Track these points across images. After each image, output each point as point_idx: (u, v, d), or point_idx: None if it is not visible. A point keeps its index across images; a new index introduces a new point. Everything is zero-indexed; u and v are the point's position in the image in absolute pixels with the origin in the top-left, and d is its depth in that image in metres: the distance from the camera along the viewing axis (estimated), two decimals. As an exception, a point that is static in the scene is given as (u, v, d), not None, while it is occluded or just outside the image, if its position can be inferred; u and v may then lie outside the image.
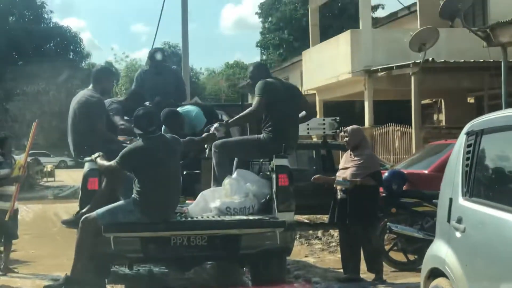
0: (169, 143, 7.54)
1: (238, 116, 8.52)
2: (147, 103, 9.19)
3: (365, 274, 9.16)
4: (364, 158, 9.02)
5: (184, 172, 8.52)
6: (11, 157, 10.46)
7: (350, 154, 9.18)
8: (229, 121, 8.45)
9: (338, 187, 9.09)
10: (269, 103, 8.22)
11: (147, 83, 10.21)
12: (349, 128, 9.36)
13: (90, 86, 8.59)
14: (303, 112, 8.79)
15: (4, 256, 10.44)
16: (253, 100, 8.53)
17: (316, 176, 9.79)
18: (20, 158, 10.75)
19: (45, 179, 36.16)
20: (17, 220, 10.71)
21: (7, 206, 10.09)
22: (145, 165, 7.27)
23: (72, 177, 35.53)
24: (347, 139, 9.22)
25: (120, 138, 8.68)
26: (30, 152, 10.20)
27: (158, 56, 10.41)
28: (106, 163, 7.44)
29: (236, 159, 8.66)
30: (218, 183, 8.15)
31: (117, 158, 7.30)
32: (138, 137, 7.55)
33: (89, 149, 7.94)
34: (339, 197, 9.09)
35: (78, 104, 8.39)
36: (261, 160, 8.79)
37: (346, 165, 9.13)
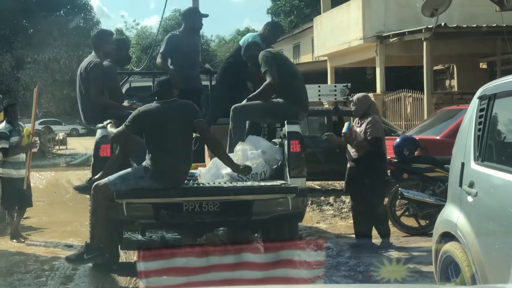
0: (182, 109, 7.40)
1: (257, 92, 8.43)
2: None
3: (376, 239, 9.20)
4: (364, 126, 8.94)
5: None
6: (18, 125, 10.36)
7: (358, 121, 9.14)
8: (249, 97, 8.41)
9: (348, 157, 9.10)
10: (279, 71, 8.26)
11: (180, 47, 9.42)
12: (355, 96, 9.31)
13: (92, 52, 8.68)
14: None
15: (16, 222, 10.34)
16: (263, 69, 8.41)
17: (328, 133, 9.79)
18: (28, 126, 10.72)
19: (57, 147, 36.31)
20: (31, 188, 10.74)
21: (22, 173, 10.13)
22: (153, 129, 7.19)
23: (83, 145, 35.73)
24: (354, 107, 9.19)
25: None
26: (43, 120, 10.24)
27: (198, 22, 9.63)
28: (115, 129, 7.41)
29: (247, 125, 8.63)
30: (232, 149, 8.13)
31: (126, 121, 7.26)
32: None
33: (96, 116, 7.95)
34: (348, 165, 9.10)
35: (79, 71, 8.52)
36: (273, 126, 8.77)
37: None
